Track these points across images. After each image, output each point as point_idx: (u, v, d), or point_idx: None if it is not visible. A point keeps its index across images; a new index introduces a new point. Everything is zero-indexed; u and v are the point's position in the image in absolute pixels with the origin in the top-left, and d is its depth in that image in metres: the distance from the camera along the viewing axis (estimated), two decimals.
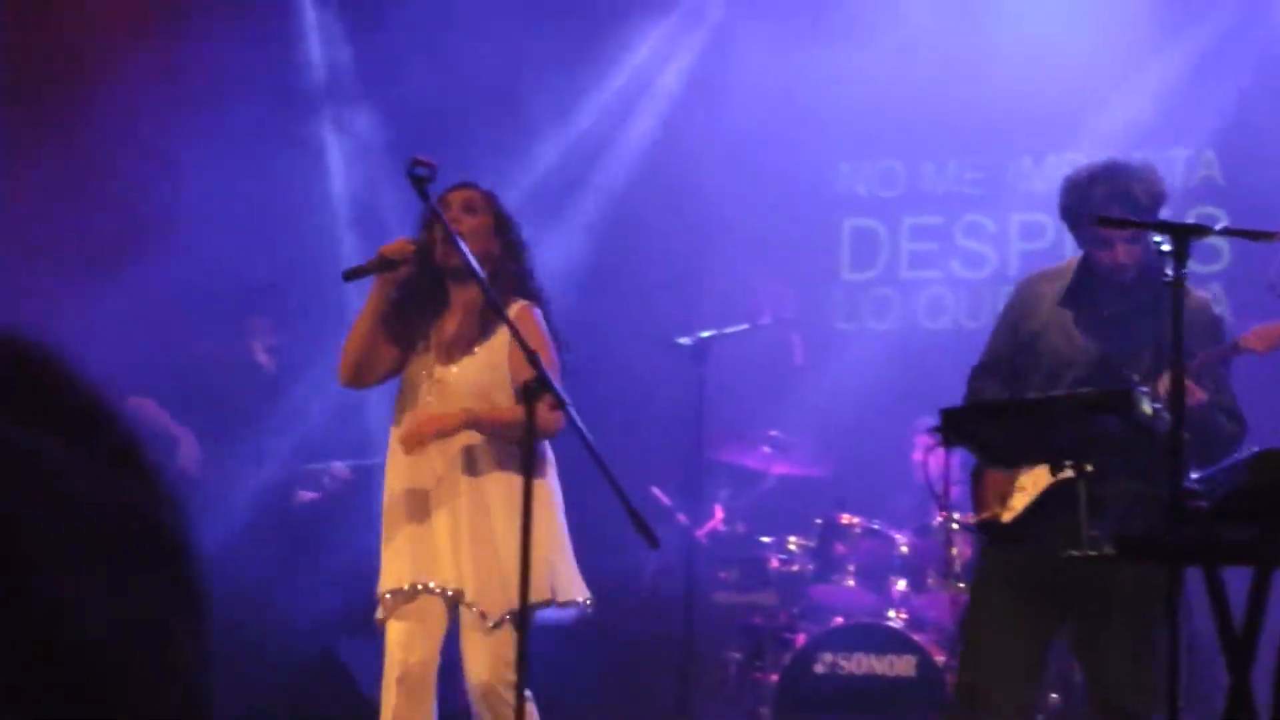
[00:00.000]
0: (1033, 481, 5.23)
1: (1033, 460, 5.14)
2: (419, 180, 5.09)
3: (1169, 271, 4.49)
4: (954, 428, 5.28)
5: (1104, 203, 5.13)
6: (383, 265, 5.22)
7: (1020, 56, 8.32)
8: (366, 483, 7.43)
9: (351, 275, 5.26)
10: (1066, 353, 5.26)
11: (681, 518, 7.54)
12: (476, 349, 5.31)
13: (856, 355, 8.59)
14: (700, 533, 7.62)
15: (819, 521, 7.50)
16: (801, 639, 7.25)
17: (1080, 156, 5.89)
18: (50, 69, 8.49)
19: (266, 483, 7.63)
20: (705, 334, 7.37)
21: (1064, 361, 5.25)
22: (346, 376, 5.40)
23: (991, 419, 5.20)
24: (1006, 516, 5.24)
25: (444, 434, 5.14)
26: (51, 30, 8.46)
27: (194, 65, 8.47)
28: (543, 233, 8.94)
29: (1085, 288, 5.34)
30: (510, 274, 5.34)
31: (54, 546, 0.58)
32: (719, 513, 7.82)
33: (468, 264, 5.07)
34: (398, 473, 5.32)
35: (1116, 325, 5.24)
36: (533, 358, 4.77)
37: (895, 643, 7.06)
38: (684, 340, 7.35)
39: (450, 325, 5.37)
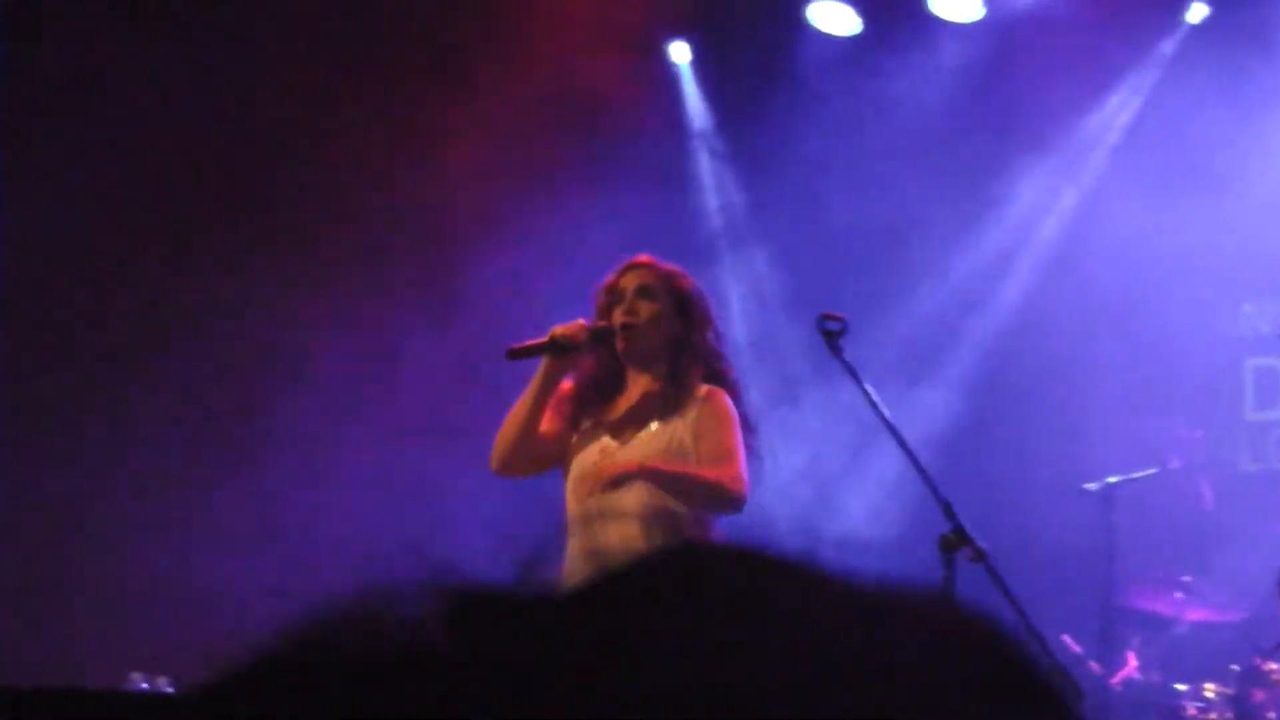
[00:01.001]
0: None
1: None
2: (830, 335, 5.03)
3: None
4: None
5: None
6: (553, 347, 4.96)
7: None
8: None
9: (517, 354, 4.99)
10: None
11: (1094, 666, 7.43)
12: (653, 425, 5.00)
13: (1266, 497, 8.38)
14: (1114, 681, 7.49)
15: (1236, 668, 7.30)
16: None
17: None
18: (432, 229, 8.82)
19: None
20: (1112, 479, 7.32)
21: None
22: (501, 461, 5.05)
23: None
24: None
25: (628, 476, 4.84)
26: (436, 192, 8.78)
27: (583, 221, 8.68)
28: (921, 380, 8.98)
29: None
30: (698, 354, 5.08)
31: None
32: (1132, 660, 7.67)
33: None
34: (574, 555, 4.96)
35: None
36: (948, 506, 4.76)
37: None
38: (1091, 486, 7.31)
39: (624, 404, 5.09)
